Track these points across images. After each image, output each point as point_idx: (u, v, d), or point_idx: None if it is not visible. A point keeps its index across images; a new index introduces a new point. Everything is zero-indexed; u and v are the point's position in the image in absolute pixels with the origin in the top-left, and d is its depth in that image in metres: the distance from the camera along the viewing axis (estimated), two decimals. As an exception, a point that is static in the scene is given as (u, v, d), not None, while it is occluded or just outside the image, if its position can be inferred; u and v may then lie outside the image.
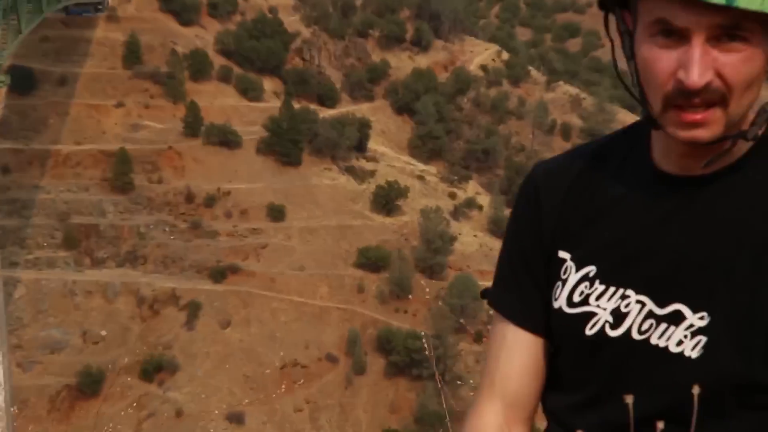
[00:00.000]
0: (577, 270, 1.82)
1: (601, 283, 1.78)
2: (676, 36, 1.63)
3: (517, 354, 1.93)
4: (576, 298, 1.81)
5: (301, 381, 70.39)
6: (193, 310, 71.06)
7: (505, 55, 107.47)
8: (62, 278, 70.84)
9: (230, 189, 79.19)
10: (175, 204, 77.86)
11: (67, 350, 67.70)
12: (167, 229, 76.28)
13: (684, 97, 1.63)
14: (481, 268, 77.92)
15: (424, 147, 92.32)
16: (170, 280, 72.85)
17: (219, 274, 73.40)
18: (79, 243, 73.56)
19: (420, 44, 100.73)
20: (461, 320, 71.43)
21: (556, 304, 1.85)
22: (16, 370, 63.48)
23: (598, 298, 1.78)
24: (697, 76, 1.61)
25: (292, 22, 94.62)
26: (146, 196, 77.69)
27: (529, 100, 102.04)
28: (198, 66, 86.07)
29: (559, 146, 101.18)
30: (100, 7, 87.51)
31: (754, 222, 1.66)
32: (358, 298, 75.10)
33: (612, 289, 1.77)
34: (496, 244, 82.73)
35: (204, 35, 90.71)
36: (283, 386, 69.64)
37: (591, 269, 1.80)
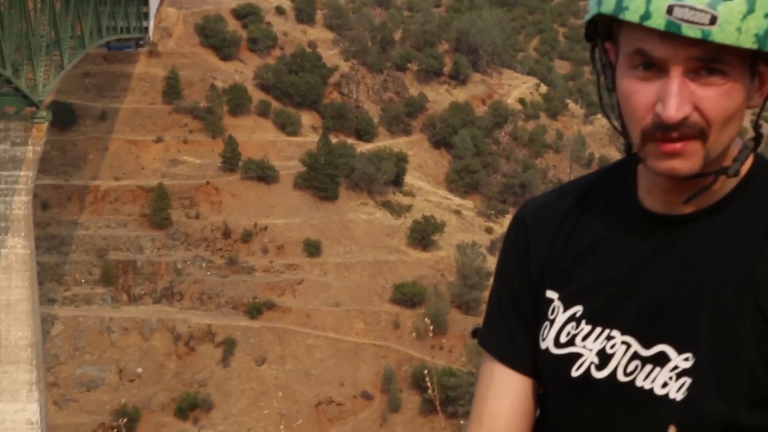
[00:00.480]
0: (565, 310, 1.82)
1: (587, 323, 1.79)
2: (656, 68, 1.63)
3: (504, 394, 1.92)
4: (563, 339, 1.81)
5: (337, 419, 70.32)
6: (229, 346, 71.27)
7: (543, 88, 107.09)
8: (99, 315, 71.34)
9: (267, 224, 79.42)
10: (212, 240, 78.19)
11: (103, 387, 68.09)
12: (204, 264, 76.61)
13: (662, 131, 1.64)
14: (518, 304, 77.56)
15: (461, 181, 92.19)
16: (206, 316, 73.12)
17: (255, 311, 73.59)
18: (116, 279, 74.07)
19: (458, 77, 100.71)
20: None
21: (543, 345, 1.85)
22: (52, 408, 63.95)
23: (584, 338, 1.78)
24: (674, 110, 1.62)
25: (330, 56, 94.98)
26: (183, 231, 78.06)
27: (567, 134, 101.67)
28: (237, 101, 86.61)
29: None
30: (141, 42, 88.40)
31: (737, 264, 1.66)
32: (393, 335, 74.95)
33: (598, 329, 1.77)
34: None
35: (243, 70, 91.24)
36: (319, 423, 69.60)
37: (578, 309, 1.80)
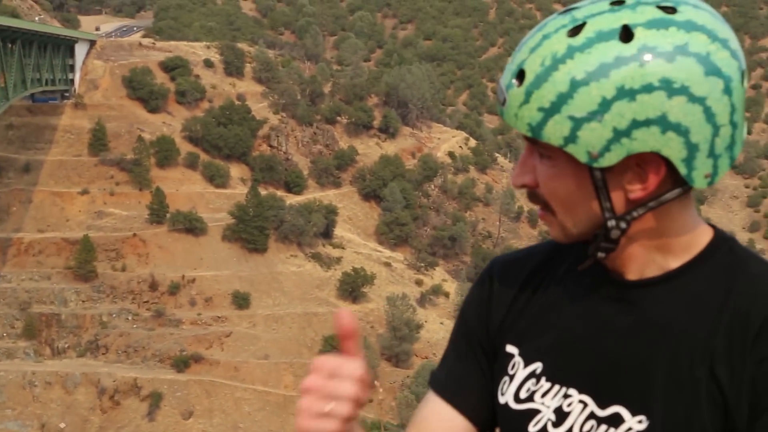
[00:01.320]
0: (525, 366, 1.83)
1: (546, 380, 1.79)
2: None
3: (435, 425, 1.91)
4: (522, 395, 1.81)
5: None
6: (155, 400, 70.20)
7: (473, 142, 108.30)
8: (21, 369, 69.88)
9: (195, 276, 78.79)
10: (139, 292, 77.36)
11: (24, 443, 66.54)
12: (130, 317, 75.69)
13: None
14: (448, 356, 77.58)
15: (391, 233, 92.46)
16: (132, 369, 72.05)
17: (182, 364, 72.69)
18: (39, 333, 72.74)
19: (387, 131, 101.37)
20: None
21: (502, 400, 1.84)
22: (-29, 465, 62.27)
23: (543, 395, 1.79)
24: (513, 177, 1.71)
25: (259, 109, 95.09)
26: (109, 284, 77.19)
27: (496, 187, 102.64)
28: (164, 152, 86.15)
29: (526, 233, 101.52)
30: (66, 94, 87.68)
31: (694, 331, 1.68)
32: (323, 387, 74.37)
33: (556, 387, 1.78)
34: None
35: (171, 122, 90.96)
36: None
37: (538, 366, 1.81)
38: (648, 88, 1.59)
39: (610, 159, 1.62)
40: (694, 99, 1.61)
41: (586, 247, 1.76)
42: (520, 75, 1.65)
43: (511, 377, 1.84)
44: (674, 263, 1.73)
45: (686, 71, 1.60)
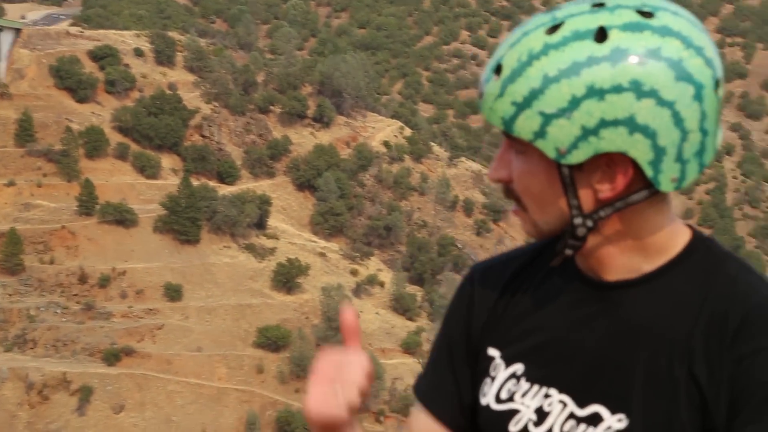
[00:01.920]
0: (506, 368, 1.85)
1: (527, 381, 1.81)
2: None
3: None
4: (503, 395, 1.83)
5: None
6: (85, 394, 69.59)
7: (408, 131, 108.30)
8: (-55, 365, 68.67)
9: (126, 269, 78.03)
10: (68, 285, 76.40)
11: (-51, 441, 65.42)
12: (59, 311, 74.80)
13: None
14: (383, 345, 77.91)
15: (326, 224, 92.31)
16: (61, 364, 71.22)
17: (113, 357, 72.05)
18: (-36, 327, 71.45)
19: (322, 120, 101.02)
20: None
21: (483, 401, 1.87)
22: None
23: (523, 395, 1.81)
24: (490, 170, 1.74)
25: (191, 98, 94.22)
26: (37, 277, 76.20)
27: (432, 176, 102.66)
28: (93, 143, 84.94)
29: (461, 222, 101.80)
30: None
31: (671, 330, 1.71)
32: (257, 379, 74.35)
33: (536, 387, 1.80)
34: (398, 321, 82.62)
35: (100, 112, 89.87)
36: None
37: (518, 368, 1.83)
38: (617, 89, 1.63)
39: (577, 156, 1.67)
40: (662, 102, 1.64)
41: None
42: (498, 69, 1.69)
43: (492, 378, 1.86)
44: (652, 265, 1.76)
45: (656, 75, 1.63)
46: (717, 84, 1.68)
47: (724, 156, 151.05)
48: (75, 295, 76.06)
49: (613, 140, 1.65)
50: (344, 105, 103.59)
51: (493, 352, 1.87)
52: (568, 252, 1.74)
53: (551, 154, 1.67)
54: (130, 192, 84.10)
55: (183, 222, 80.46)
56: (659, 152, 1.66)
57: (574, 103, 1.64)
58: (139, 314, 76.17)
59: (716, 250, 1.78)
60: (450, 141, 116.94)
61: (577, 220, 1.71)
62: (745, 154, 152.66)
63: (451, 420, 1.93)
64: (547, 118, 1.66)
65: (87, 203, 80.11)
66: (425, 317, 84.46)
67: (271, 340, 75.58)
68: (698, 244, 1.77)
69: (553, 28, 1.67)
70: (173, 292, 77.27)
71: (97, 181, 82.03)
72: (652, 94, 1.63)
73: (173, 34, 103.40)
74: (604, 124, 1.64)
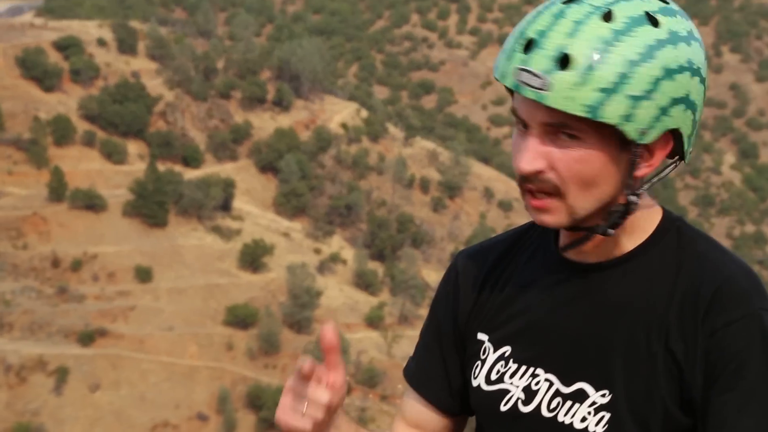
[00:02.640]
0: (495, 350, 1.95)
1: (514, 362, 1.91)
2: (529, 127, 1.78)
3: (412, 418, 2.08)
4: (493, 377, 1.93)
5: (173, 440, 70.53)
6: (62, 375, 70.61)
7: (364, 113, 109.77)
8: (-73, 349, 69.96)
9: (97, 252, 79.25)
10: (41, 269, 77.61)
11: (-67, 421, 66.74)
12: (33, 294, 75.88)
13: (524, 182, 1.78)
14: (348, 321, 79.29)
15: (289, 204, 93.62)
16: (37, 346, 72.32)
17: (87, 338, 73.19)
18: (-57, 312, 72.77)
19: (281, 104, 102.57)
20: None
21: (475, 383, 1.96)
22: None
23: (512, 376, 1.91)
24: (524, 162, 1.75)
25: (154, 85, 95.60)
26: (11, 262, 77.26)
27: (389, 156, 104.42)
28: (61, 131, 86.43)
29: (419, 199, 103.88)
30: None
31: (649, 308, 1.80)
32: (227, 356, 75.60)
33: (524, 367, 1.90)
34: (361, 297, 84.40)
35: (67, 101, 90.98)
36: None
37: (507, 349, 1.93)
38: (681, 69, 1.73)
39: (651, 135, 1.73)
40: (702, 80, 1.77)
41: (547, 233, 1.94)
42: (564, 60, 1.70)
43: (483, 361, 1.96)
44: (631, 245, 1.85)
45: (698, 54, 1.77)
46: None
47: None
48: (49, 279, 77.19)
49: (677, 117, 1.74)
50: (302, 89, 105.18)
51: (482, 336, 1.97)
52: (610, 232, 1.79)
53: (634, 135, 1.71)
54: (99, 178, 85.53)
55: (151, 206, 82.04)
56: (695, 127, 1.78)
57: (655, 84, 1.70)
58: (112, 296, 77.35)
59: (686, 230, 1.86)
60: (405, 121, 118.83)
61: (632, 198, 1.78)
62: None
63: (442, 402, 2.04)
64: (635, 101, 1.69)
65: (57, 190, 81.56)
66: (387, 292, 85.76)
67: (240, 318, 76.55)
68: (669, 223, 1.87)
69: (606, 16, 1.72)
70: (144, 274, 78.55)
71: (66, 168, 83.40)
72: (698, 72, 1.75)
73: (135, 24, 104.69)
74: (673, 102, 1.72)
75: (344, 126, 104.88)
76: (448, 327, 2.03)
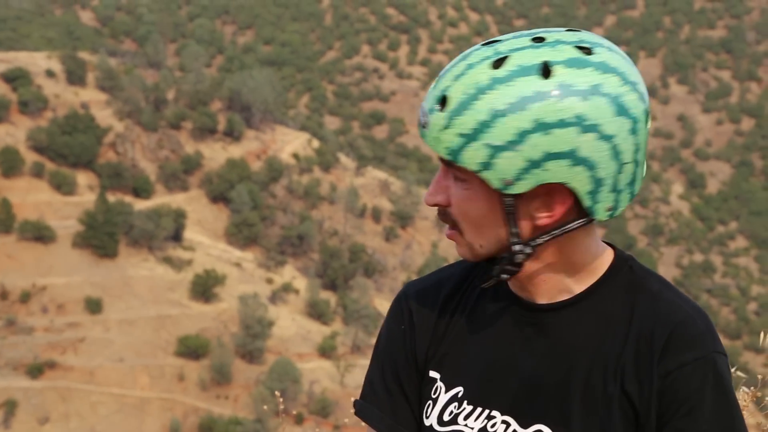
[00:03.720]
0: (447, 390, 1.90)
1: (468, 403, 1.87)
2: None
3: None
4: (446, 417, 1.88)
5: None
6: (10, 408, 69.97)
7: (316, 143, 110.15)
8: None
9: (46, 284, 78.76)
10: (-11, 301, 76.99)
11: None
12: (-19, 327, 75.26)
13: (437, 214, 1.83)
14: (300, 350, 79.26)
15: (240, 234, 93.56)
16: (-15, 378, 71.74)
17: (36, 370, 72.61)
18: None
19: (232, 135, 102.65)
20: (280, 401, 72.42)
21: (427, 422, 1.91)
22: None
23: (466, 417, 1.87)
24: (427, 195, 1.82)
25: (104, 116, 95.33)
26: (-41, 295, 76.60)
27: (340, 186, 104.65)
28: (10, 163, 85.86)
29: (371, 229, 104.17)
30: None
31: (603, 349, 1.80)
32: (179, 387, 75.23)
33: (479, 409, 1.86)
34: (313, 327, 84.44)
35: (15, 132, 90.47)
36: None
37: (459, 390, 1.89)
38: (562, 124, 1.68)
39: (521, 187, 1.72)
40: (603, 137, 1.70)
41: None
42: (443, 101, 1.73)
43: (434, 401, 1.91)
44: (581, 286, 1.84)
45: (598, 110, 1.70)
46: (647, 116, 1.77)
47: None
48: (-3, 311, 76.71)
49: (556, 172, 1.70)
50: (253, 119, 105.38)
51: (434, 374, 1.93)
52: (504, 277, 1.80)
53: (497, 184, 1.72)
54: (48, 209, 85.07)
55: (101, 237, 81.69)
56: (598, 183, 1.72)
57: (522, 136, 1.68)
58: (61, 328, 76.85)
59: (637, 269, 1.86)
60: (356, 151, 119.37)
61: (517, 247, 1.77)
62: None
63: None
64: (495, 151, 1.69)
65: (5, 221, 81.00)
66: (339, 321, 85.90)
67: (191, 348, 76.26)
68: (621, 263, 1.86)
69: (498, 62, 1.71)
70: (94, 305, 78.11)
71: (15, 199, 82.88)
72: (594, 128, 1.68)
73: (84, 55, 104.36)
74: (548, 156, 1.68)
75: (296, 156, 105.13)
76: (405, 365, 1.98)
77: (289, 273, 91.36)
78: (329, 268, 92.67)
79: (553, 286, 1.84)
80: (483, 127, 1.71)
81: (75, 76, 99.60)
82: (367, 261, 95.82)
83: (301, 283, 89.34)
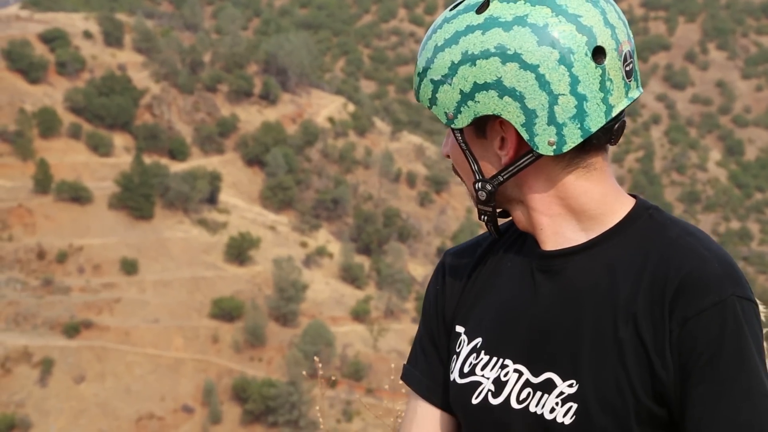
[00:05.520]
0: (469, 342, 1.92)
1: (485, 353, 1.88)
2: None
3: (424, 427, 2.00)
4: (466, 369, 1.90)
5: (158, 432, 70.67)
6: (47, 366, 70.69)
7: (351, 107, 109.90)
8: None
9: (82, 245, 79.29)
10: (27, 261, 77.64)
11: None
12: (18, 286, 75.94)
13: None
14: (333, 314, 79.51)
15: (275, 198, 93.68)
16: (22, 337, 72.43)
17: (72, 330, 73.29)
18: (-72, 304, 72.70)
19: (268, 98, 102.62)
20: (318, 365, 72.65)
21: (451, 377, 1.94)
22: None
23: (482, 368, 1.88)
24: (443, 147, 1.89)
25: (141, 78, 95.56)
26: (-4, 254, 77.35)
27: (375, 150, 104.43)
28: (47, 124, 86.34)
29: (405, 194, 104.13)
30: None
31: (614, 294, 1.78)
32: (213, 349, 75.72)
33: (494, 359, 1.87)
34: (347, 291, 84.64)
35: (53, 93, 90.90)
36: (141, 438, 69.90)
37: (479, 341, 1.90)
38: (485, 54, 1.73)
39: (462, 121, 1.77)
40: (526, 66, 1.72)
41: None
42: None
43: (458, 354, 1.93)
44: (592, 233, 1.83)
45: (519, 40, 1.72)
46: (598, 51, 1.73)
47: (651, 125, 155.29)
48: (34, 270, 77.25)
49: (487, 103, 1.74)
50: (289, 83, 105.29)
51: (459, 328, 1.95)
52: (483, 219, 1.87)
53: (442, 119, 1.79)
54: (85, 170, 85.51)
55: (137, 198, 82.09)
56: (530, 115, 1.73)
57: (453, 69, 1.75)
58: (97, 288, 77.44)
59: (659, 217, 1.84)
60: (392, 116, 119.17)
61: (477, 185, 1.82)
62: (671, 123, 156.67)
63: (448, 405, 1.98)
64: (436, 85, 1.78)
65: (42, 182, 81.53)
66: (373, 286, 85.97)
67: (225, 311, 76.64)
68: (641, 212, 1.84)
69: (455, 6, 1.81)
70: (129, 267, 78.61)
71: (52, 160, 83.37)
72: (516, 57, 1.71)
73: (121, 17, 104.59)
74: (477, 87, 1.74)
75: (331, 120, 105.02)
76: (439, 329, 2.01)
77: (323, 237, 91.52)
78: (363, 232, 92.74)
79: (556, 232, 1.85)
80: (428, 63, 1.81)
81: (112, 38, 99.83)
82: (401, 226, 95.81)
83: (335, 247, 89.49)
